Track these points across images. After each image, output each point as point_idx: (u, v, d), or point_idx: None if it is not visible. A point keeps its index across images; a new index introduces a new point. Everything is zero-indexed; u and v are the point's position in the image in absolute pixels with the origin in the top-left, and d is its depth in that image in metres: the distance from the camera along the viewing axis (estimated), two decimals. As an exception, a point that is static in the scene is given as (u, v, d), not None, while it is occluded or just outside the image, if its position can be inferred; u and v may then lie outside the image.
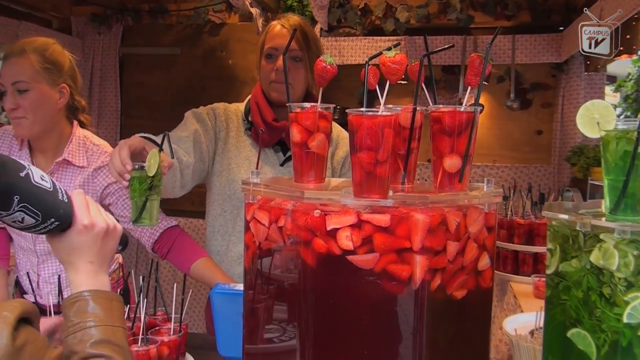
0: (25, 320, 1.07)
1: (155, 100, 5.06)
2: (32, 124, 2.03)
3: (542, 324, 1.69)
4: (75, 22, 5.09)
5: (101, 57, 5.09)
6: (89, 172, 2.15)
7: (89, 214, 1.15)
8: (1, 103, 2.12)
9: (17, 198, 1.01)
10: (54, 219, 1.09)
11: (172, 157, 1.75)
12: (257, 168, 2.06)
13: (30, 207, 1.04)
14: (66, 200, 1.12)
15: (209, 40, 4.93)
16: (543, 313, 1.67)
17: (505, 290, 2.94)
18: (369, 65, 1.14)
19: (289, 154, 2.12)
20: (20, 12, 4.45)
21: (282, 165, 2.14)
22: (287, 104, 1.29)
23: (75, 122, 2.20)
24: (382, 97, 1.11)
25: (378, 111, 1.08)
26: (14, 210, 1.02)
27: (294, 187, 1.21)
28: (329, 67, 1.23)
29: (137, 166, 1.60)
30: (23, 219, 1.04)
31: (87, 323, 1.09)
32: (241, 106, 2.21)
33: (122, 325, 1.15)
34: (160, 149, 1.61)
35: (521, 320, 1.97)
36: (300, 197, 1.10)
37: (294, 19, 2.09)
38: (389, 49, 1.12)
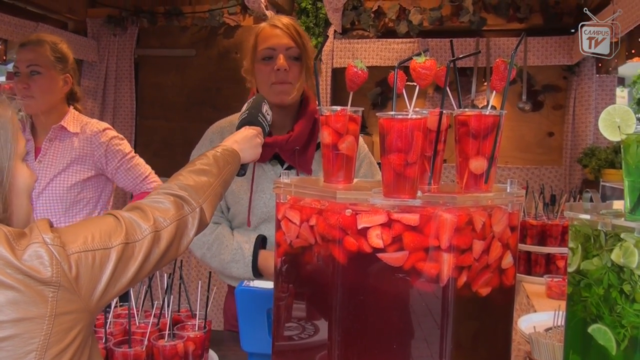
0: None
1: (170, 102, 5.09)
2: (37, 103, 2.38)
3: (559, 322, 1.73)
4: (90, 24, 5.12)
5: (116, 58, 5.13)
6: (83, 138, 2.47)
7: None
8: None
9: None
10: None
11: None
12: (251, 184, 1.98)
13: None
14: None
15: (224, 42, 4.98)
16: (560, 311, 1.72)
17: (518, 291, 2.97)
18: (398, 70, 1.17)
19: (286, 166, 2.02)
20: (37, 14, 4.50)
21: None
22: (317, 107, 1.32)
23: (72, 107, 2.54)
24: (410, 101, 1.15)
25: (408, 115, 1.11)
26: None
27: (324, 188, 1.25)
28: (360, 72, 1.27)
29: None
30: None
31: None
32: (235, 118, 2.02)
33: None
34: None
35: (534, 319, 2.00)
36: (333, 197, 1.14)
37: (285, 19, 2.01)
38: (419, 54, 1.15)
